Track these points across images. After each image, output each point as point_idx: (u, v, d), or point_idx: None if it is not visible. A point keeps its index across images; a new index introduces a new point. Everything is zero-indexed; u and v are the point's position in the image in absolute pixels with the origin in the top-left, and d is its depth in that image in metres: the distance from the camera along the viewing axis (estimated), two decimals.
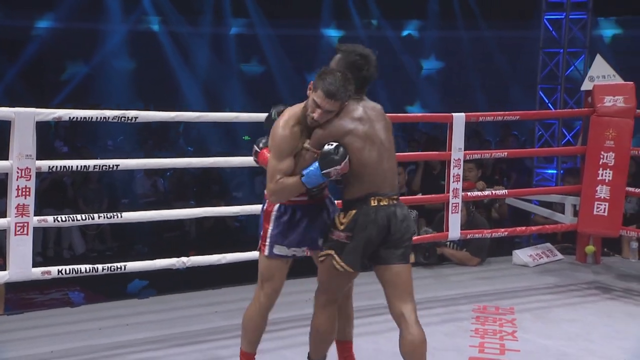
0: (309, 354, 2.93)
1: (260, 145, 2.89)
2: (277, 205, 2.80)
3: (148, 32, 13.40)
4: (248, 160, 4.90)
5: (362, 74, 2.73)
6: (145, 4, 13.16)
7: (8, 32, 12.58)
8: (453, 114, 4.59)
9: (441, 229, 4.72)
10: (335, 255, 2.71)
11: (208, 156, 5.05)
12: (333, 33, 14.80)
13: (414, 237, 4.86)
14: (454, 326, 3.80)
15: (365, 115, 2.74)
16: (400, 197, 2.85)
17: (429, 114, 6.24)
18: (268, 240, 2.81)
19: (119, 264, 3.63)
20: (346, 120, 2.70)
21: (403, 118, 6.54)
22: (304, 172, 2.66)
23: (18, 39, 12.59)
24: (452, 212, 4.58)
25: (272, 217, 2.82)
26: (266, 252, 2.82)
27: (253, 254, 3.88)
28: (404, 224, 2.73)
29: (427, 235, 4.85)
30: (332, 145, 2.64)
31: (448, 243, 5.19)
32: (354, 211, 2.69)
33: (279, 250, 2.81)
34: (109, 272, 3.57)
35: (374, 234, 2.69)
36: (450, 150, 4.56)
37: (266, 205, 2.84)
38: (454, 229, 4.60)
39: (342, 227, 2.70)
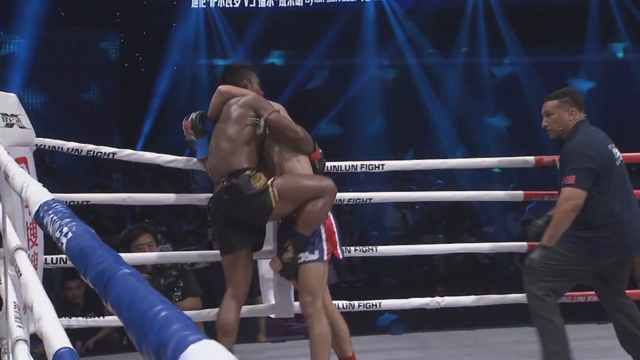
0: None
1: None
2: None
3: (403, 65, 13.63)
4: (500, 195, 4.72)
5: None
6: (399, 40, 13.45)
7: None
8: None
9: None
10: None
11: (458, 189, 5.00)
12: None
13: None
14: None
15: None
16: None
17: None
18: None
19: (373, 302, 3.67)
20: None
21: None
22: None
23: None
24: None
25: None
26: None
27: (513, 297, 3.68)
28: (224, 197, 2.90)
29: None
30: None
31: None
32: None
33: None
34: (365, 309, 3.60)
35: (217, 215, 2.91)
36: None
37: None
38: None
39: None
